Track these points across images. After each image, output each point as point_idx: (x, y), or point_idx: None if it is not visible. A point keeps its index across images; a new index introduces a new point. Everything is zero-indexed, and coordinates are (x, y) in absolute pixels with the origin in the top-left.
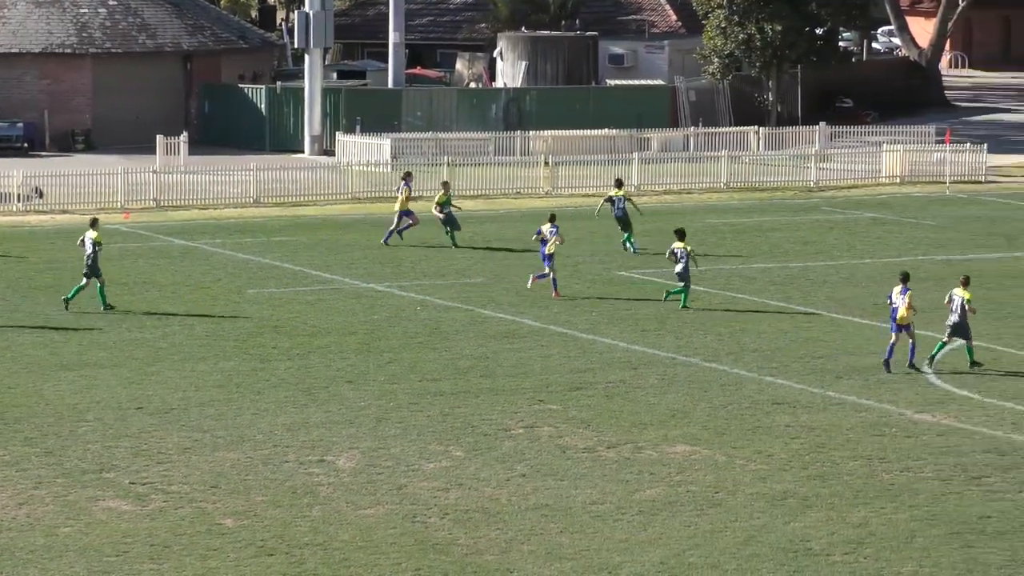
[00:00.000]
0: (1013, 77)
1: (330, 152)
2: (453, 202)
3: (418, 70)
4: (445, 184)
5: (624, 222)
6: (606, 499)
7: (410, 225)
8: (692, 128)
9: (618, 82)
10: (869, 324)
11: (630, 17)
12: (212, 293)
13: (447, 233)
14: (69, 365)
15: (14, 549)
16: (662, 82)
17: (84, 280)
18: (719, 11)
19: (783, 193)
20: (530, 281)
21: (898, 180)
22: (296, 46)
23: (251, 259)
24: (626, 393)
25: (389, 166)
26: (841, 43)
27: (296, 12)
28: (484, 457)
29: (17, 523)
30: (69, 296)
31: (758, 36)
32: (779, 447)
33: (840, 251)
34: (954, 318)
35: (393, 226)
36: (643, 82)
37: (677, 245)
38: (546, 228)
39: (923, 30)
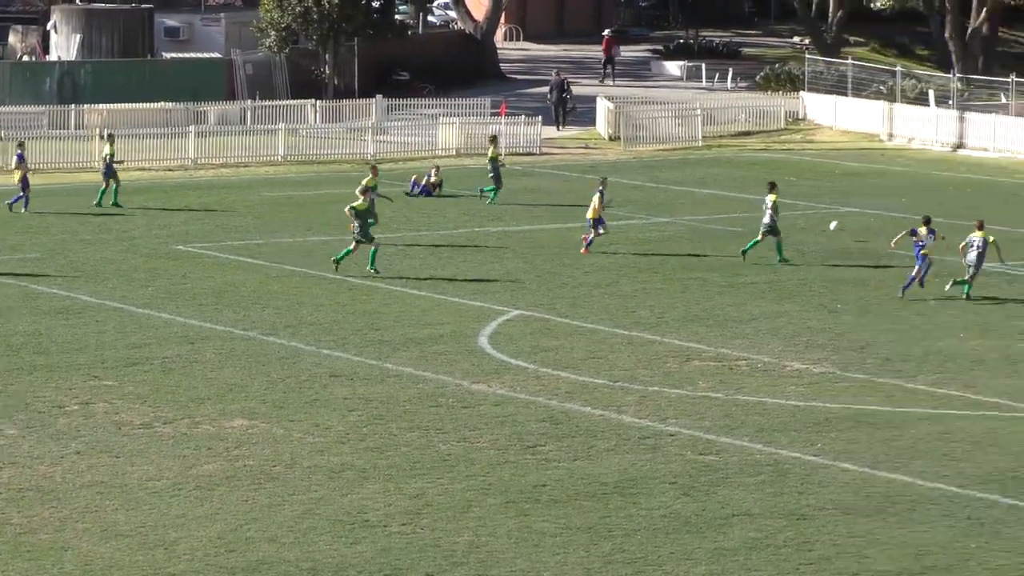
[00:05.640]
0: (565, 49)
1: None
2: None
3: None
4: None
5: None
6: (163, 475)
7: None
8: (249, 101)
9: (174, 55)
10: (426, 296)
11: None
12: None
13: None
14: None
15: None
16: (219, 55)
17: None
18: None
19: (340, 166)
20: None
21: (455, 152)
22: None
23: None
24: (183, 368)
25: None
26: (397, 16)
27: None
28: (38, 435)
29: None
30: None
31: (315, 9)
32: (337, 419)
33: (397, 224)
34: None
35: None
36: (200, 55)
37: (976, 235)
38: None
39: (479, 3)
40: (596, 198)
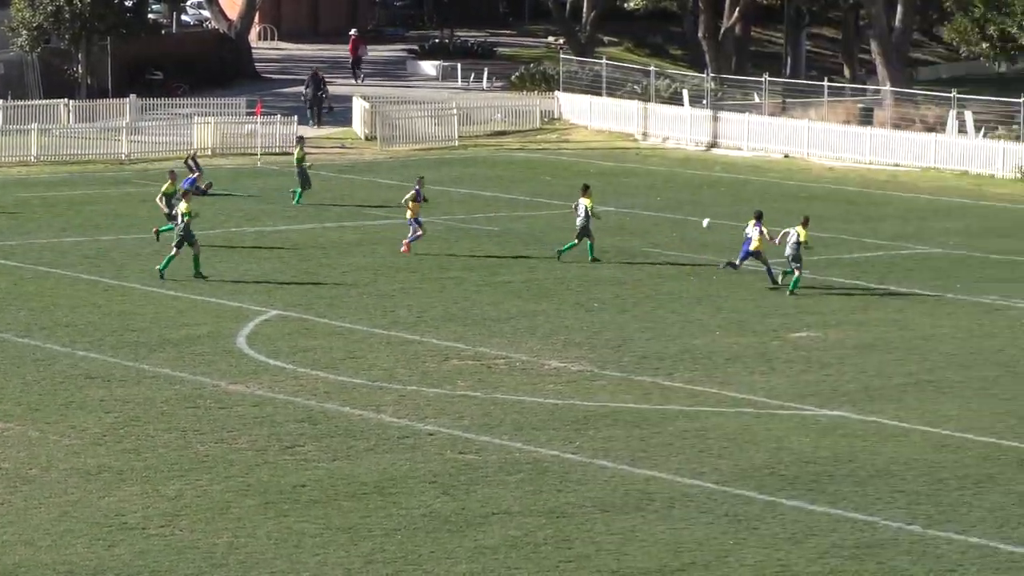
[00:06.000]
0: (321, 49)
1: None
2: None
3: None
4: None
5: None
6: None
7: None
8: (1, 101)
9: None
10: (183, 296)
11: None
12: None
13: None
14: None
15: None
16: None
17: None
18: None
19: (95, 166)
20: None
21: (210, 152)
22: None
23: None
24: None
25: None
26: (150, 15)
27: None
28: None
29: None
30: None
31: (67, 8)
32: (93, 421)
33: (153, 224)
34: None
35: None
36: None
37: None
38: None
39: (232, 2)
40: (410, 195)
